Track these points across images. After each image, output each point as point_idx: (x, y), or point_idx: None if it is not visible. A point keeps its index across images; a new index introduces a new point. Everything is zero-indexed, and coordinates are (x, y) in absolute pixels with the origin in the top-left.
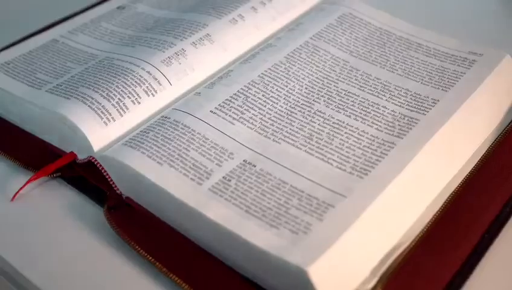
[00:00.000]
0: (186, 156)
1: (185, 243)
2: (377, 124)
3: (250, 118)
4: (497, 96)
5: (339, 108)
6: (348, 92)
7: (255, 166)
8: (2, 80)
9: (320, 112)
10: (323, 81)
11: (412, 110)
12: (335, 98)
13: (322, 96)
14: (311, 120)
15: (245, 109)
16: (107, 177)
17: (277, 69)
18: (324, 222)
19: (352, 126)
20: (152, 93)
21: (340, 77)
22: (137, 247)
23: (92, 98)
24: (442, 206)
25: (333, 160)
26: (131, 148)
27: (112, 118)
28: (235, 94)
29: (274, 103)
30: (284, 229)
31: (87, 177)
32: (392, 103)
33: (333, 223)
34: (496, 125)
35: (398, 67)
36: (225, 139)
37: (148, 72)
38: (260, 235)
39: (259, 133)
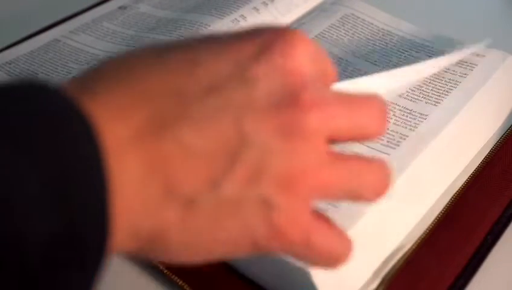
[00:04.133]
0: None
1: None
2: None
3: None
4: (500, 98)
5: None
6: None
7: None
8: (4, 80)
9: None
10: None
11: None
12: None
13: None
14: None
15: None
16: None
17: None
18: None
19: None
20: None
21: (342, 77)
22: None
23: None
24: (444, 207)
25: None
26: None
27: None
28: None
29: None
30: None
31: None
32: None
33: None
34: (498, 126)
35: None
36: None
37: None
38: None
39: None
